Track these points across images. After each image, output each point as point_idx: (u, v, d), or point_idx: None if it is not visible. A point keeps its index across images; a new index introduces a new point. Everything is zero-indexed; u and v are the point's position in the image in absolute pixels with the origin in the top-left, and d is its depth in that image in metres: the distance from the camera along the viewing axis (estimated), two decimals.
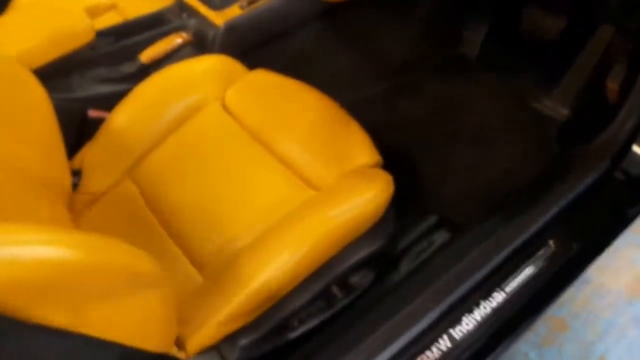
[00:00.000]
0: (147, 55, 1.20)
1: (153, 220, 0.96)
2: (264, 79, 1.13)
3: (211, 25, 1.24)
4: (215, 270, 0.87)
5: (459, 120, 1.38)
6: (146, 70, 1.19)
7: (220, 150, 1.02)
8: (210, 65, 1.15)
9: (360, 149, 0.98)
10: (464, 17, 1.49)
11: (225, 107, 1.08)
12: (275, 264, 0.81)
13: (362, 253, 0.88)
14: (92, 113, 1.14)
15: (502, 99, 1.41)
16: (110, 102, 1.12)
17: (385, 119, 1.38)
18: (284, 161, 0.97)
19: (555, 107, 1.37)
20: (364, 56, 1.45)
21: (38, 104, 0.94)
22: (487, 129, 1.35)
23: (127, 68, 1.19)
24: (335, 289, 0.88)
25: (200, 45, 1.25)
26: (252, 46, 1.29)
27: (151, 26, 1.28)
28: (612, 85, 1.19)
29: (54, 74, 1.13)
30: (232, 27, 1.23)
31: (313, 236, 0.83)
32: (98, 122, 1.09)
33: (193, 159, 1.02)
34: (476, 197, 1.18)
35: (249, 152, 1.00)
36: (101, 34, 1.22)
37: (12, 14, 1.26)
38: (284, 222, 0.87)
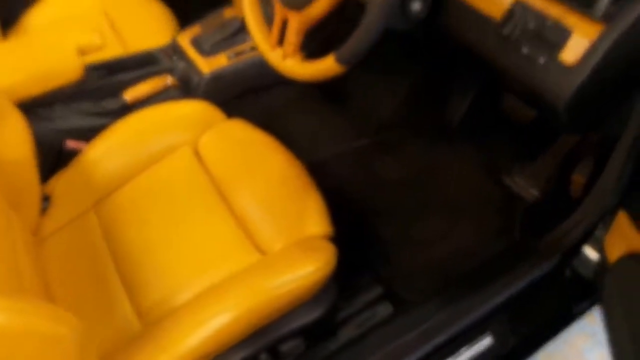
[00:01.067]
0: (132, 94, 1.24)
1: (107, 258, 0.98)
2: (239, 130, 1.16)
3: (198, 71, 1.27)
4: (154, 321, 0.88)
5: (431, 188, 1.39)
6: (128, 109, 1.22)
7: (182, 197, 1.04)
8: (190, 110, 1.18)
9: (314, 219, 0.99)
10: (450, 87, 1.51)
11: (197, 153, 1.10)
12: (210, 327, 0.83)
13: (297, 323, 0.90)
14: (70, 144, 1.17)
15: (477, 172, 1.42)
16: (89, 135, 1.15)
17: (358, 178, 1.40)
18: (238, 218, 0.98)
19: (526, 187, 1.38)
20: (344, 113, 1.47)
21: (15, 135, 0.97)
22: (457, 201, 1.36)
23: (110, 104, 1.23)
24: (263, 356, 0.89)
25: (184, 89, 1.28)
26: (234, 95, 1.32)
27: (141, 65, 1.32)
28: (578, 179, 1.20)
29: (39, 104, 1.17)
30: (217, 77, 1.26)
31: (250, 304, 0.85)
32: (75, 153, 1.12)
33: (155, 202, 1.04)
34: (429, 273, 1.19)
35: (208, 203, 1.02)
36: (92, 68, 1.26)
37: (8, 44, 1.31)
38: (224, 284, 0.88)
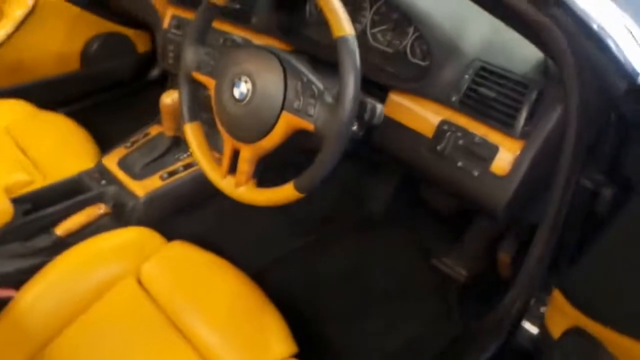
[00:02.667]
0: (64, 228, 1.15)
1: None
2: (182, 252, 1.12)
3: (131, 195, 1.23)
4: None
5: (371, 279, 1.43)
6: (62, 244, 1.14)
7: (132, 335, 0.97)
8: (128, 239, 1.12)
9: (277, 339, 0.97)
10: (372, 181, 1.60)
11: (141, 283, 1.04)
12: None
13: None
14: None
15: (408, 258, 1.49)
16: (19, 279, 1.05)
17: (300, 279, 1.40)
18: (197, 349, 0.94)
19: (455, 268, 1.47)
20: (277, 216, 1.49)
21: None
22: (396, 291, 1.41)
23: (42, 242, 1.13)
24: None
25: (118, 214, 1.23)
26: (171, 215, 1.28)
27: (69, 194, 1.24)
28: (503, 258, 1.31)
29: None
30: (152, 199, 1.23)
31: None
32: (3, 303, 1.01)
33: (102, 346, 0.96)
34: None
35: (162, 338, 0.96)
36: (16, 201, 1.17)
37: None
38: None
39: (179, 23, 1.31)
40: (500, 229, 1.38)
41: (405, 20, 1.02)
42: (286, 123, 0.88)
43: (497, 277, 1.33)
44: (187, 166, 1.28)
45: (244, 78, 0.90)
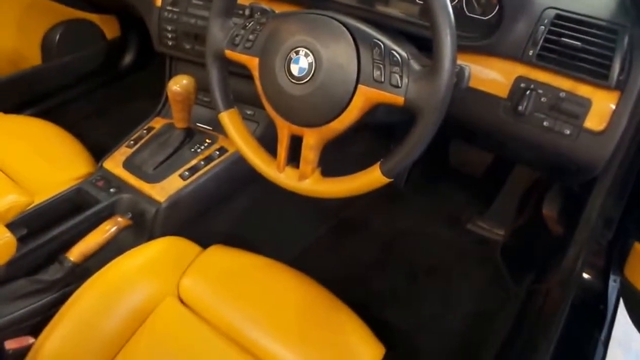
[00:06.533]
0: (78, 252, 0.92)
1: None
2: (222, 258, 0.94)
3: (150, 201, 1.00)
4: None
5: (410, 254, 1.30)
6: (79, 271, 0.91)
7: None
8: (158, 253, 0.93)
9: (363, 342, 0.82)
10: (389, 148, 1.44)
11: (183, 302, 0.86)
12: None
13: None
14: (10, 345, 0.82)
15: (442, 227, 1.37)
16: (34, 322, 0.85)
17: (337, 266, 1.24)
18: None
19: (491, 229, 1.36)
20: (299, 204, 1.32)
21: None
22: (438, 261, 1.29)
23: (54, 272, 0.89)
24: None
25: (139, 225, 1.01)
26: (196, 217, 1.08)
27: (72, 210, 1.01)
28: (549, 213, 1.20)
29: None
30: (175, 203, 1.01)
31: None
32: (20, 354, 0.80)
33: None
34: (450, 352, 1.08)
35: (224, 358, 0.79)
36: (10, 227, 0.92)
37: None
38: None
39: None
40: (536, 186, 1.28)
41: None
42: (365, 98, 0.71)
43: (536, 233, 1.23)
44: (207, 160, 1.07)
45: (302, 51, 0.72)
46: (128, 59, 1.74)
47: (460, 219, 1.37)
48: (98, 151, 1.18)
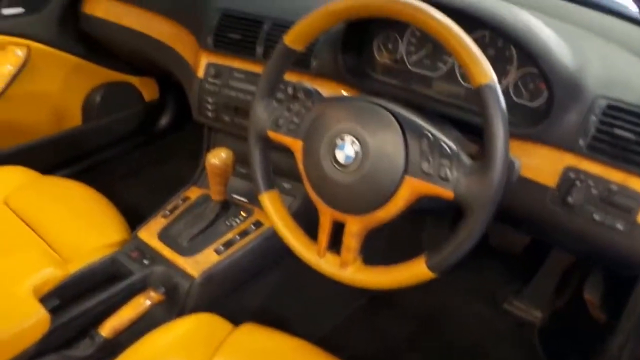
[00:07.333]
0: (110, 327, 0.90)
1: None
2: (253, 337, 0.91)
3: (184, 275, 0.99)
4: None
5: (445, 333, 1.25)
6: (110, 347, 0.89)
7: None
8: (191, 331, 0.89)
9: None
10: (424, 222, 1.41)
11: None
12: None
13: None
14: None
15: (477, 305, 1.31)
16: None
17: (370, 343, 1.19)
18: None
19: (528, 310, 1.30)
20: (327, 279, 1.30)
21: None
22: (473, 341, 1.23)
23: (84, 348, 0.87)
24: None
25: (171, 299, 0.99)
26: (228, 292, 1.05)
27: (106, 280, 0.99)
28: (591, 298, 1.15)
29: None
30: (209, 278, 0.99)
31: None
32: None
33: None
34: None
35: None
36: (43, 299, 0.91)
37: None
38: None
39: (218, 71, 1.09)
40: (580, 265, 1.23)
41: (509, 54, 0.85)
42: (411, 189, 0.69)
43: (576, 317, 1.17)
44: (242, 234, 1.05)
45: (348, 138, 0.71)
46: (164, 120, 1.77)
47: (497, 297, 1.32)
48: (132, 213, 1.18)
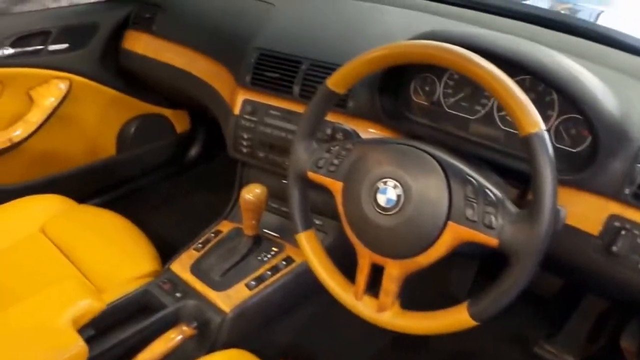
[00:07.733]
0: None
1: None
2: None
3: (216, 310, 0.99)
4: None
5: None
6: None
7: None
8: None
9: None
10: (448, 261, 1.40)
11: None
12: None
13: None
14: None
15: (506, 346, 1.28)
16: None
17: None
18: None
19: (560, 355, 1.26)
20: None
21: None
22: None
23: None
24: None
25: (202, 333, 0.98)
26: (259, 328, 1.05)
27: (138, 312, 1.00)
28: (629, 347, 1.11)
29: None
30: (241, 313, 0.99)
31: None
32: None
33: None
34: None
35: None
36: (80, 330, 0.91)
37: None
38: None
39: (254, 108, 1.12)
40: (616, 311, 1.19)
41: (550, 99, 0.85)
42: (454, 235, 0.69)
43: None
44: (274, 269, 1.05)
45: (391, 183, 0.71)
46: (195, 151, 1.80)
47: (528, 340, 1.28)
48: (162, 242, 1.20)
